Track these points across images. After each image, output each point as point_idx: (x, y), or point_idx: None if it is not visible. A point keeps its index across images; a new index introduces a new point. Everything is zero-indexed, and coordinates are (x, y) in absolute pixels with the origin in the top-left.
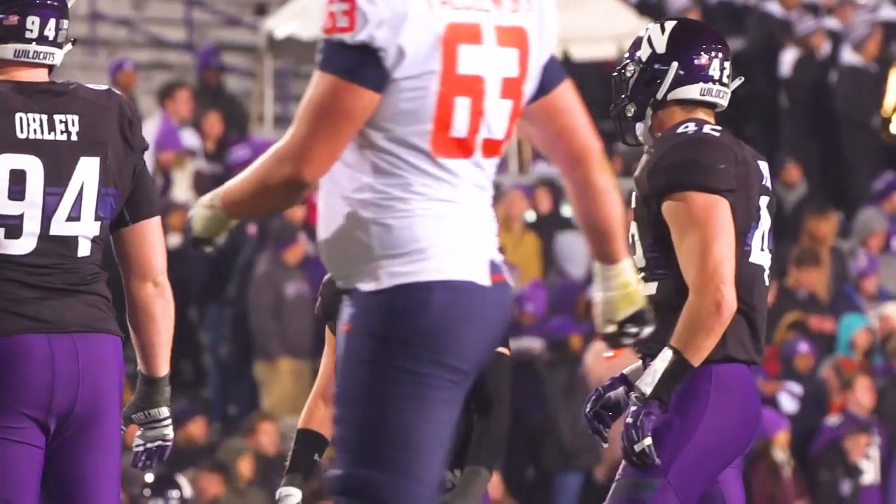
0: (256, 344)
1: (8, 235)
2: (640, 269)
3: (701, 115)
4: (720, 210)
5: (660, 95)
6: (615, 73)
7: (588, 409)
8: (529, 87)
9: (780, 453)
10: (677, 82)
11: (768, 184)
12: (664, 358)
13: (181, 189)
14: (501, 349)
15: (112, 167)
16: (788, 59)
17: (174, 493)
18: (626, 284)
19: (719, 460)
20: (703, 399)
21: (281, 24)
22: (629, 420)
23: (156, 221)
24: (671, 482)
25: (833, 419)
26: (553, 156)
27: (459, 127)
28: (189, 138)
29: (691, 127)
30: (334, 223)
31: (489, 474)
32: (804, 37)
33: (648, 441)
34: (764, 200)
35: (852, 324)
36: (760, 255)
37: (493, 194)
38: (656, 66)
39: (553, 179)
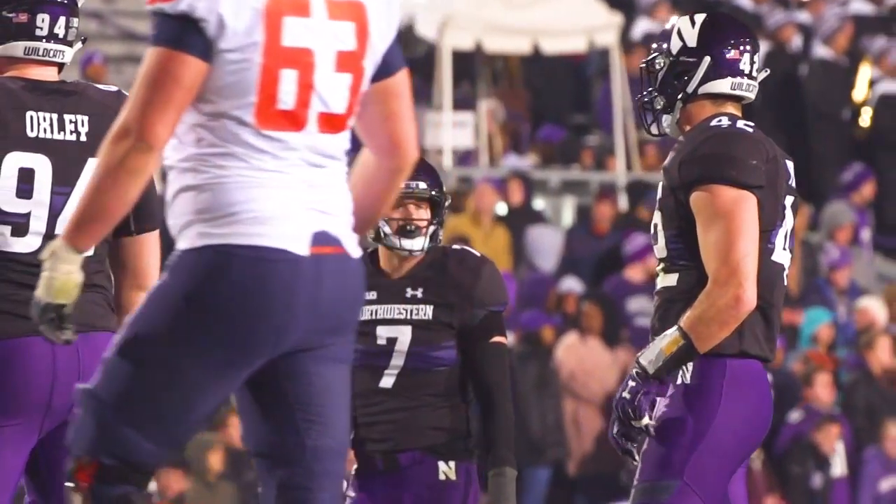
0: None
1: (14, 233)
2: (661, 260)
3: (730, 108)
4: (748, 205)
5: (690, 89)
6: (642, 66)
7: (615, 430)
8: (370, 63)
9: None
10: (708, 76)
11: (793, 183)
12: (673, 340)
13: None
14: (499, 338)
15: None
16: (759, 52)
17: None
18: None
19: (736, 456)
20: (715, 395)
21: None
22: (626, 395)
23: (157, 234)
24: (689, 482)
25: (795, 414)
26: (371, 140)
27: (286, 99)
28: None
29: (725, 121)
30: (168, 191)
31: (514, 470)
32: (775, 30)
33: (647, 420)
34: (789, 200)
35: (817, 318)
36: (782, 254)
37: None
38: (687, 59)
39: (525, 173)
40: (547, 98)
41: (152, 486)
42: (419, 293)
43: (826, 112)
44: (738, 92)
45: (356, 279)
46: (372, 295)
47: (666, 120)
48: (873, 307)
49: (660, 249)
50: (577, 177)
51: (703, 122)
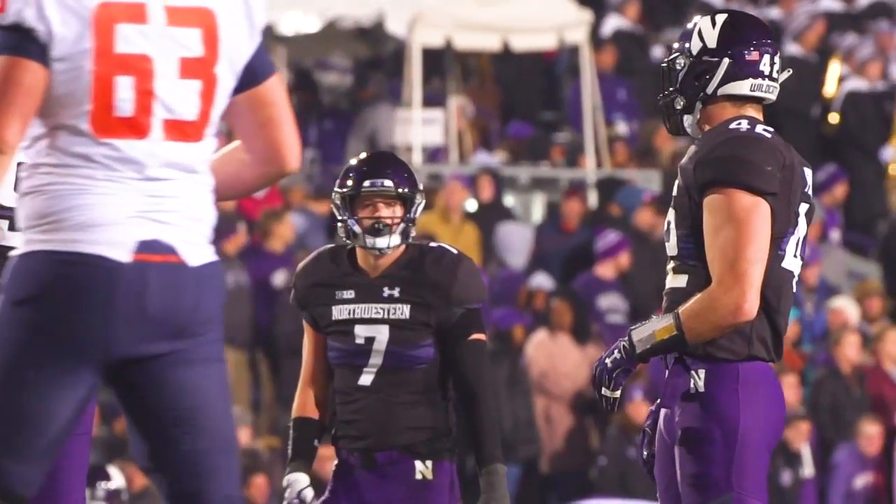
0: None
1: (11, 228)
2: (672, 258)
3: (750, 110)
4: (760, 212)
5: (710, 90)
6: (663, 65)
7: (645, 454)
8: (226, 70)
9: None
10: (728, 77)
11: (810, 191)
12: (666, 328)
13: None
14: (477, 336)
15: None
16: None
17: (103, 484)
18: None
19: (767, 449)
20: (734, 400)
21: None
22: (608, 364)
23: None
24: (740, 490)
25: None
26: (249, 148)
27: (123, 107)
28: None
29: (744, 124)
30: (13, 197)
31: (504, 465)
32: None
33: (618, 394)
34: (804, 207)
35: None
36: (792, 262)
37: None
38: (707, 59)
39: (495, 169)
40: (517, 95)
41: (120, 481)
42: (396, 292)
43: (795, 109)
44: (757, 93)
45: (194, 286)
46: (350, 294)
47: (686, 120)
48: (846, 307)
49: (671, 247)
50: (547, 174)
51: (721, 125)
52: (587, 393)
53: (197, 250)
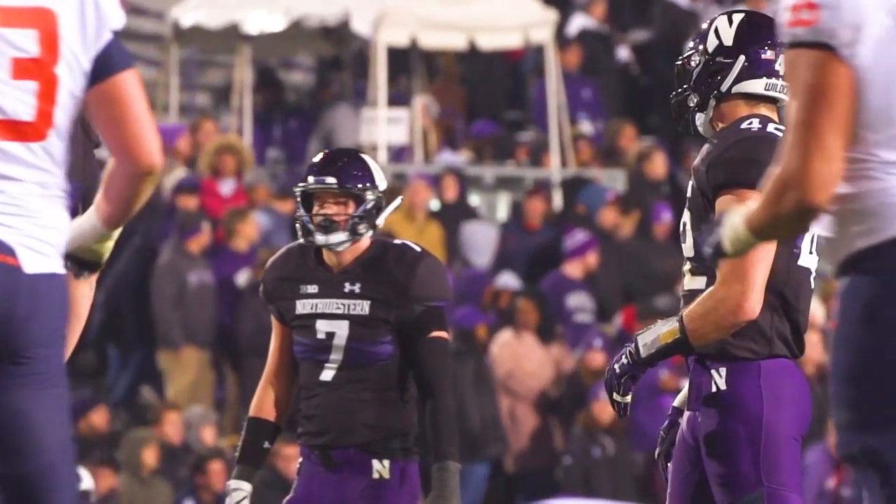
0: (159, 333)
1: None
2: (689, 260)
3: (764, 110)
4: None
5: (724, 88)
6: (678, 63)
7: (658, 452)
8: (68, 70)
9: None
10: (742, 76)
11: None
12: (670, 331)
13: None
14: (438, 333)
15: (78, 163)
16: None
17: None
18: (107, 238)
19: (795, 439)
20: (755, 395)
21: (187, 13)
22: (616, 370)
23: None
24: (772, 484)
25: None
26: (108, 145)
27: None
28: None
29: (755, 124)
30: None
31: (458, 464)
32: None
33: (629, 399)
34: None
35: None
36: (808, 258)
37: (49, 179)
38: (722, 58)
39: (459, 169)
40: (482, 94)
41: (90, 482)
42: (357, 288)
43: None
44: (772, 93)
45: (27, 295)
46: (313, 288)
47: (699, 118)
48: (812, 308)
49: (687, 249)
50: (512, 173)
51: (733, 125)
52: (552, 392)
53: (37, 258)
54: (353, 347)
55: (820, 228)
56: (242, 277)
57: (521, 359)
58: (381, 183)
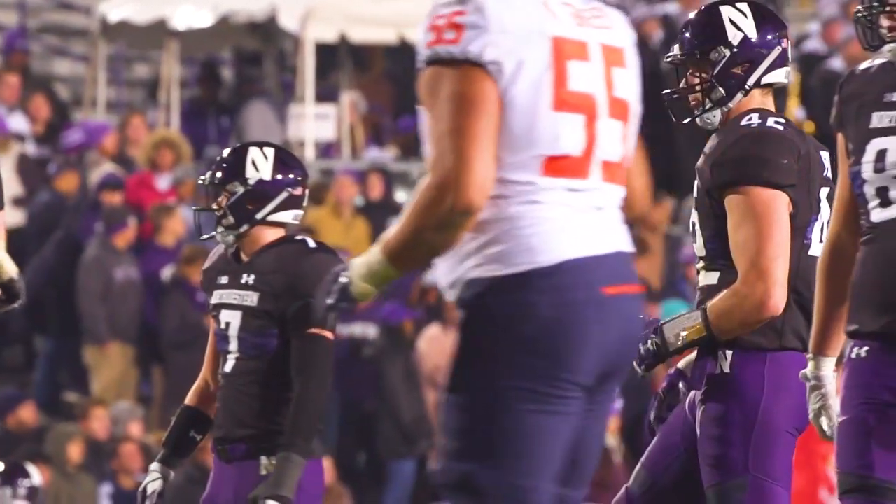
0: (85, 328)
1: None
2: (700, 258)
3: (770, 99)
4: (779, 205)
5: (752, 80)
6: (682, 57)
7: (653, 416)
8: None
9: (611, 439)
10: (772, 66)
11: (829, 174)
12: (697, 329)
13: (5, 172)
14: (316, 330)
15: None
16: None
17: (24, 482)
18: None
19: (791, 432)
20: (758, 383)
21: (114, 8)
22: (643, 353)
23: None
24: (756, 474)
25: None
26: None
27: None
28: (17, 122)
29: (755, 119)
30: None
31: (303, 459)
32: (636, 24)
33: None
34: (824, 192)
35: (674, 310)
36: (818, 248)
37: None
38: (755, 50)
39: (385, 165)
40: (410, 90)
41: (38, 479)
42: (251, 280)
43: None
44: (787, 80)
45: None
46: (224, 279)
47: (716, 114)
48: None
49: (698, 248)
50: None
51: (733, 122)
52: None
53: None
54: (244, 338)
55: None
56: (167, 273)
57: (449, 354)
58: (255, 176)
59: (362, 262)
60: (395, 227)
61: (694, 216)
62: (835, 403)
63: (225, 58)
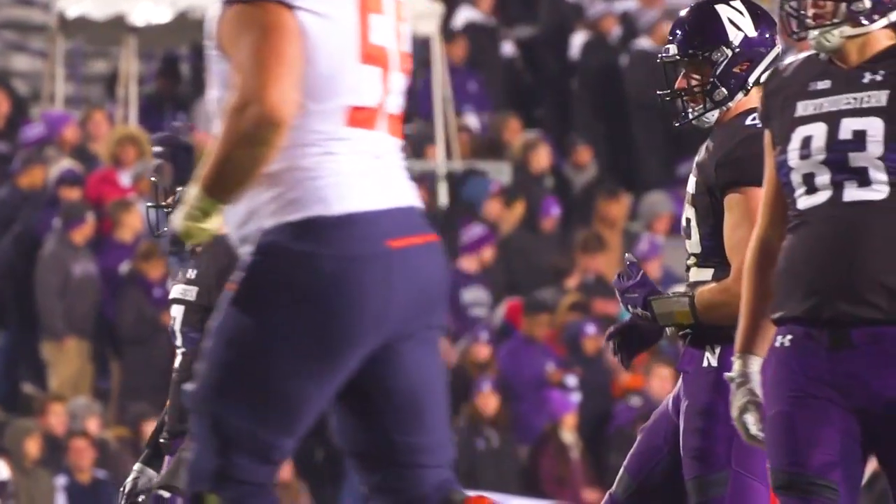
0: (43, 323)
1: None
2: (693, 255)
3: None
4: None
5: (753, 79)
6: (677, 58)
7: (610, 332)
8: None
9: (568, 435)
10: (771, 64)
11: None
12: (685, 314)
13: None
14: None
15: None
16: (578, 42)
17: None
18: None
19: None
20: None
21: (73, 4)
22: (628, 299)
23: None
24: (738, 469)
25: (632, 401)
26: None
27: None
28: None
29: (758, 119)
30: None
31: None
32: (595, 20)
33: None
34: None
35: None
36: None
37: None
38: (755, 49)
39: None
40: None
41: (6, 472)
42: (193, 274)
43: (646, 103)
44: None
45: None
46: (180, 274)
47: (713, 114)
48: None
49: (693, 245)
50: None
51: (735, 120)
52: None
53: None
54: (185, 333)
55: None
56: (124, 268)
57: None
58: None
59: (183, 203)
60: (207, 159)
61: (689, 212)
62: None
63: (183, 53)
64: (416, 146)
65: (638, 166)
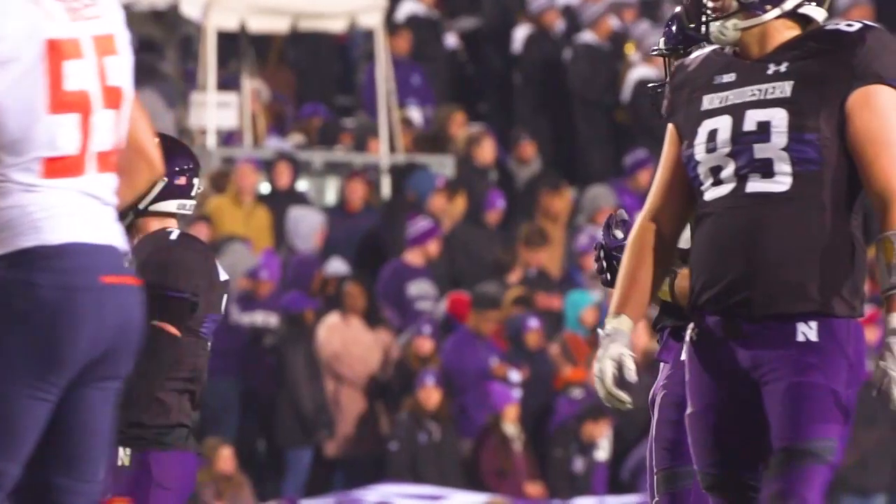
0: None
1: None
2: (686, 251)
3: None
4: None
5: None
6: (668, 52)
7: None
8: None
9: (510, 427)
10: None
11: None
12: (664, 291)
13: None
14: (159, 323)
15: None
16: (520, 35)
17: None
18: None
19: None
20: None
21: None
22: (615, 257)
23: None
24: None
25: (575, 392)
26: None
27: None
28: None
29: None
30: None
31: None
32: (537, 14)
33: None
34: None
35: (579, 301)
36: None
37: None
38: None
39: (290, 154)
40: (312, 79)
41: None
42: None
43: (589, 96)
44: None
45: None
46: None
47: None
48: None
49: (685, 241)
50: (341, 158)
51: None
52: (379, 377)
53: None
54: None
55: None
56: None
57: (348, 343)
58: None
59: None
60: None
61: None
62: (622, 353)
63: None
64: (359, 139)
65: (581, 160)
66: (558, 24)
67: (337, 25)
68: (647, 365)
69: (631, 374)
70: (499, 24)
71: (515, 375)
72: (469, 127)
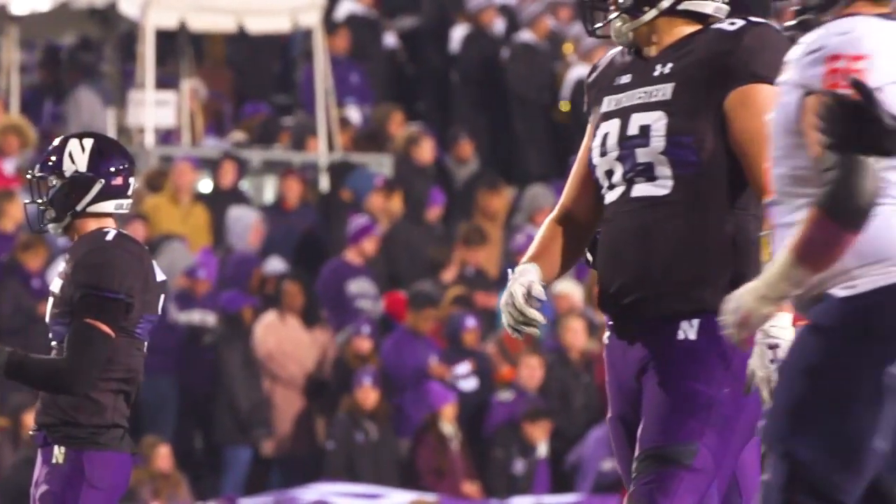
0: None
1: None
2: None
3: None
4: None
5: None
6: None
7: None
8: None
9: (448, 426)
10: None
11: None
12: None
13: None
14: (89, 320)
15: None
16: (458, 35)
17: None
18: None
19: (748, 428)
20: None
21: None
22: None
23: None
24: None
25: (504, 395)
26: None
27: None
28: None
29: None
30: None
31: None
32: (475, 13)
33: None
34: None
35: None
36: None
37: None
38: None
39: (231, 152)
40: (251, 78)
41: None
42: (63, 268)
43: (527, 96)
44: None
45: None
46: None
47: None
48: (572, 292)
49: None
50: (279, 157)
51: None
52: (317, 376)
53: None
54: (52, 326)
55: None
56: (3, 257)
57: (285, 342)
58: (71, 168)
59: None
60: None
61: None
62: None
63: (65, 44)
64: (298, 138)
65: (519, 159)
66: (496, 24)
67: (281, 24)
68: (586, 364)
69: (540, 293)
70: (437, 24)
71: (464, 367)
72: (407, 126)
